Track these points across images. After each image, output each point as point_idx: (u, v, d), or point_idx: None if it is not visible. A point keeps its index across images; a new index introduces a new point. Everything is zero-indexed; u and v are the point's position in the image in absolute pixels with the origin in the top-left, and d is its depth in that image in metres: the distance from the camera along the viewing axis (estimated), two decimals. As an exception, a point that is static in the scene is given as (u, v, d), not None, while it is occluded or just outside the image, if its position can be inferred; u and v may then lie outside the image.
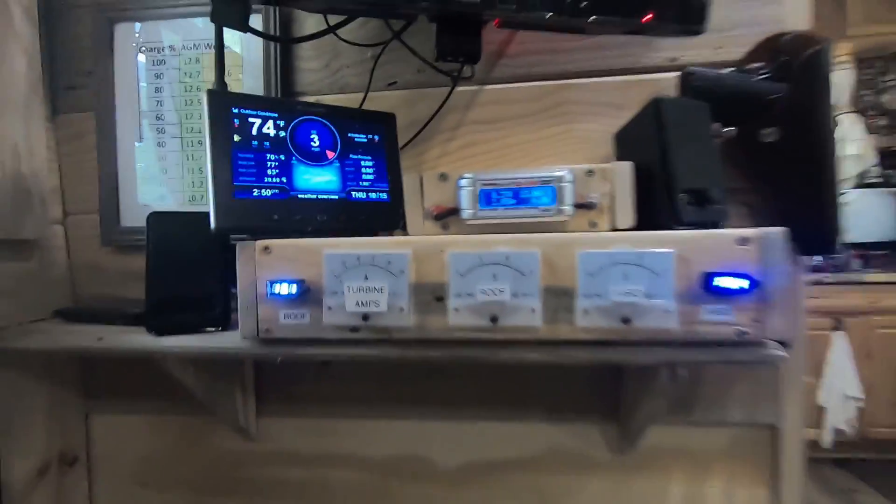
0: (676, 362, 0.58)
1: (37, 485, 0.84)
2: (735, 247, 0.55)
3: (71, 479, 0.91)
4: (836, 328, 2.69)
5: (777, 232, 0.54)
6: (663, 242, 0.56)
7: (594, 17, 0.61)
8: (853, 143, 3.16)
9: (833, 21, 2.95)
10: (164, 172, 0.89)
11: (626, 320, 0.56)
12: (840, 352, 2.67)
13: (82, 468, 0.93)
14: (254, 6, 0.76)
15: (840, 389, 2.65)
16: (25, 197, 0.82)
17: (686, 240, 0.55)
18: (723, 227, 0.60)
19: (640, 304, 0.55)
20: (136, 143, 0.89)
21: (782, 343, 0.56)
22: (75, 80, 0.90)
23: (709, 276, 0.54)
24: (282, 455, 0.90)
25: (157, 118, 0.88)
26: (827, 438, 2.66)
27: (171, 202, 0.89)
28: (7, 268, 0.80)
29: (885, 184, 3.19)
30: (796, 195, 0.68)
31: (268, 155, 0.65)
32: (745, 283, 0.52)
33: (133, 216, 0.89)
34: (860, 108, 3.20)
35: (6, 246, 0.80)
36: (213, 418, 0.88)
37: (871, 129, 3.19)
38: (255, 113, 0.65)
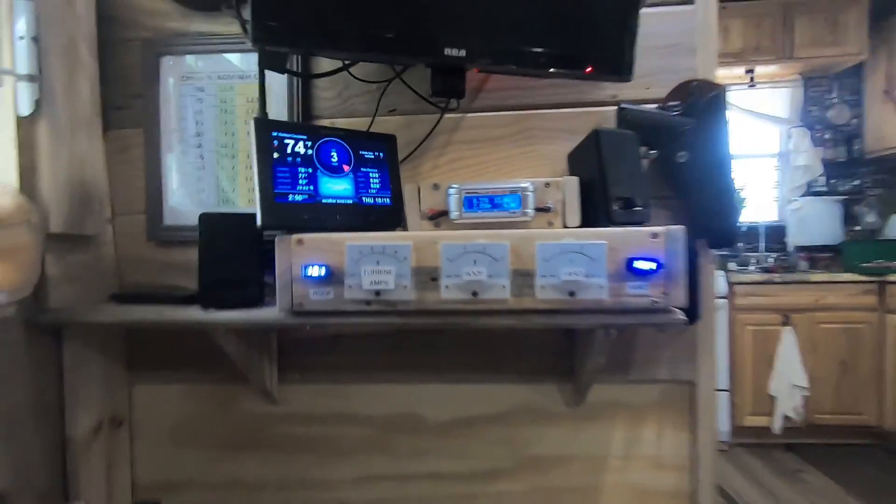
0: (608, 325, 0.79)
1: (92, 441, 1.00)
2: (649, 239, 0.75)
3: (118, 438, 1.07)
4: (784, 323, 2.93)
5: (678, 228, 0.75)
6: (598, 236, 0.76)
7: (551, 69, 0.82)
8: (801, 155, 3.44)
9: (782, 43, 3.21)
10: (199, 181, 1.06)
11: (571, 293, 0.76)
12: (788, 345, 2.90)
13: (126, 430, 1.09)
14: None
15: (788, 380, 2.87)
16: (87, 199, 0.99)
17: (615, 234, 0.76)
18: (646, 225, 0.81)
19: (582, 282, 0.75)
20: (170, 155, 1.06)
21: (684, 310, 0.77)
22: (123, 101, 1.07)
23: (630, 261, 0.75)
24: (299, 416, 1.08)
25: (196, 135, 1.06)
26: (777, 425, 2.89)
27: (204, 205, 1.06)
28: (73, 259, 0.97)
29: (831, 192, 3.47)
30: (704, 203, 0.90)
31: (299, 168, 0.84)
32: (652, 265, 0.73)
33: (172, 216, 1.06)
34: (807, 122, 3.49)
35: (72, 240, 0.96)
36: (239, 386, 1.06)
37: (817, 142, 3.47)
38: (289, 135, 0.84)
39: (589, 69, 0.81)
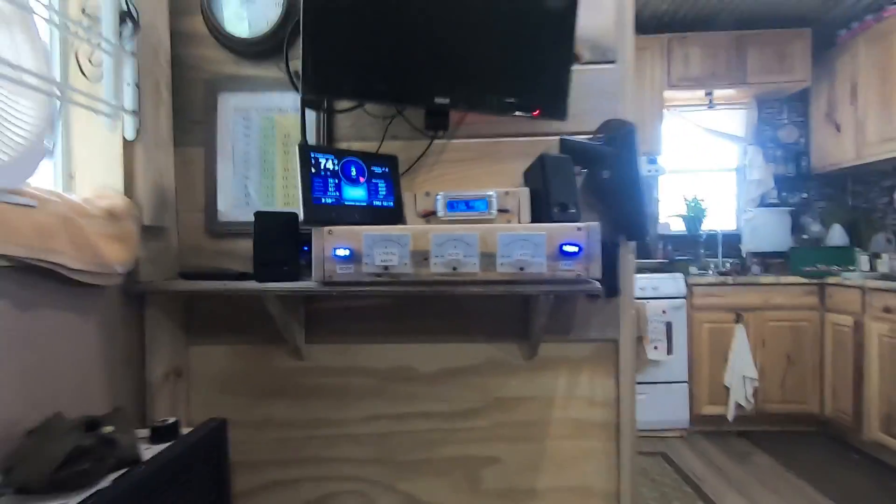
0: (547, 291, 1.12)
1: (163, 385, 1.31)
2: (575, 231, 1.09)
3: (179, 385, 1.38)
4: (737, 321, 3.21)
5: (595, 224, 1.08)
6: (541, 230, 1.09)
7: (510, 111, 1.16)
8: (755, 170, 3.80)
9: (736, 70, 3.58)
10: (245, 188, 1.39)
11: (521, 269, 1.09)
12: (740, 340, 3.18)
13: (185, 380, 1.40)
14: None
15: (740, 372, 3.15)
16: (164, 200, 1.30)
17: (552, 228, 1.09)
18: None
19: (529, 261, 1.09)
20: (223, 168, 1.38)
21: (605, 285, 1.10)
22: (188, 126, 1.39)
23: (562, 246, 1.08)
24: (319, 369, 1.39)
25: (243, 153, 1.38)
26: (730, 413, 3.16)
27: (250, 207, 1.38)
28: (154, 244, 1.28)
29: (781, 204, 3.80)
30: (621, 207, 1.24)
31: (328, 179, 1.17)
32: (575, 248, 1.07)
33: (224, 215, 1.38)
34: (761, 141, 3.85)
35: (153, 230, 1.27)
36: (272, 347, 1.37)
37: (769, 159, 3.82)
38: (322, 156, 1.17)
39: (536, 113, 1.16)
